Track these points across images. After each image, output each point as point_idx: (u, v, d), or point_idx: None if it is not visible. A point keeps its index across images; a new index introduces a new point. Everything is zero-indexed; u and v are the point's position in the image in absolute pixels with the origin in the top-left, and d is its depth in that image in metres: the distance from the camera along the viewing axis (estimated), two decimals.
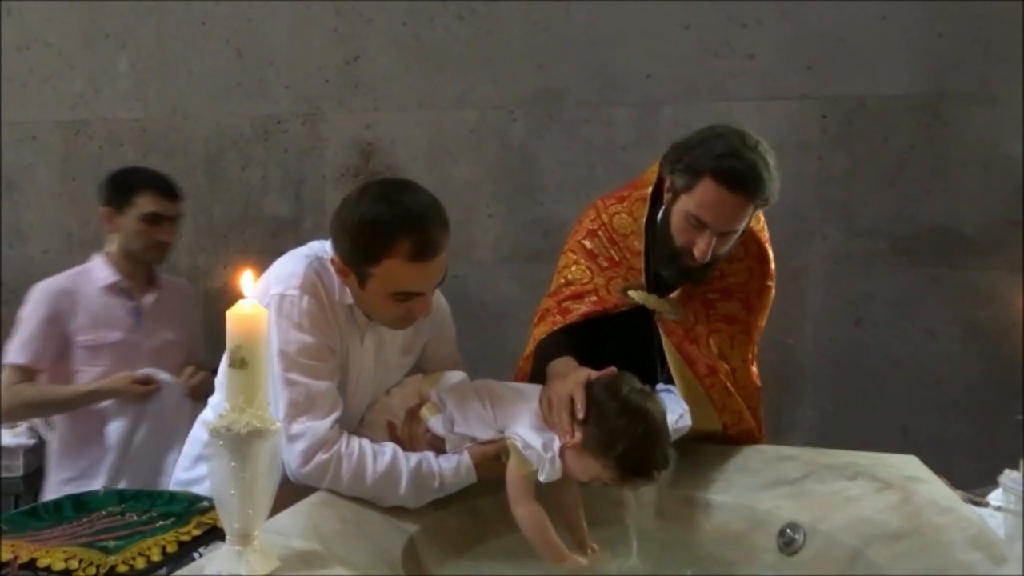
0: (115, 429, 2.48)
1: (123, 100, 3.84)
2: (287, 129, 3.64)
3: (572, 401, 1.63)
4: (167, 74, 3.78)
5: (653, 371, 1.99)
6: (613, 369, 1.69)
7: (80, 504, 1.55)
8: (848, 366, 3.05)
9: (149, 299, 2.70)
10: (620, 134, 3.20)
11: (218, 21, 3.69)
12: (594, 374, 1.68)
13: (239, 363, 1.17)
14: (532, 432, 1.65)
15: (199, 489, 1.79)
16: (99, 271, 2.64)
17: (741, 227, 1.85)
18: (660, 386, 1.97)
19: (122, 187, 2.66)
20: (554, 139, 3.30)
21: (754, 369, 2.06)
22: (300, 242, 3.55)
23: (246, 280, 1.21)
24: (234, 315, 1.19)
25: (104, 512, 1.50)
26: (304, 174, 3.62)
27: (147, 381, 2.50)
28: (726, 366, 1.96)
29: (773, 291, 2.05)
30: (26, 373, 2.51)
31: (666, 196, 1.92)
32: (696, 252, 1.83)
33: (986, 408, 2.92)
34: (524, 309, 3.28)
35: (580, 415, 1.60)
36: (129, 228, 2.64)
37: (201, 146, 3.76)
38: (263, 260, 2.85)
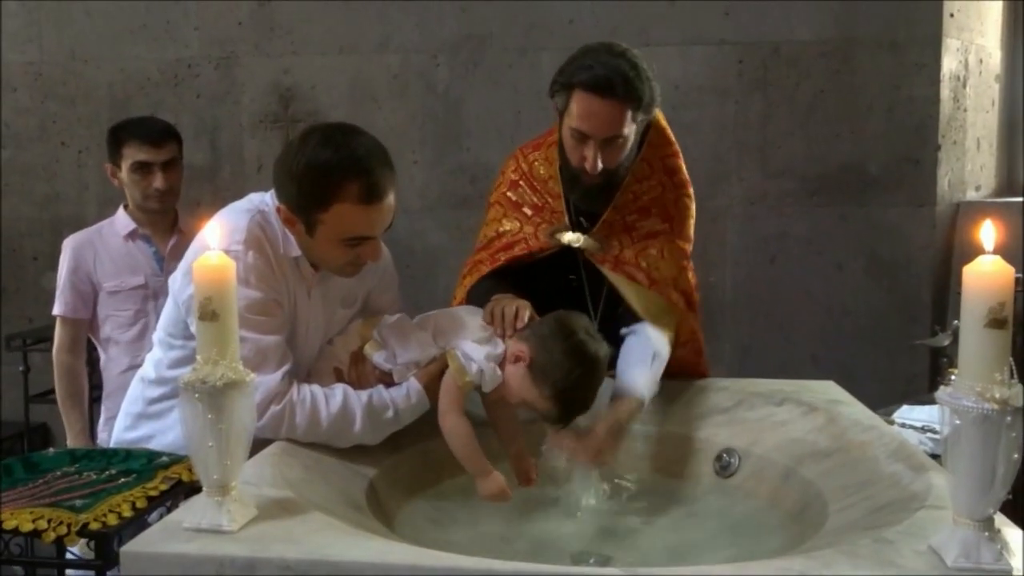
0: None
1: (15, 41, 3.59)
2: (199, 74, 3.49)
3: (517, 312, 1.71)
4: (63, 14, 3.55)
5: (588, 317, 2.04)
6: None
7: (31, 465, 1.51)
8: (764, 301, 3.23)
9: (170, 243, 2.71)
10: (545, 79, 3.17)
11: None
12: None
13: (210, 316, 1.16)
14: (474, 345, 1.70)
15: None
16: (120, 221, 2.72)
17: (625, 131, 1.87)
18: (625, 330, 1.98)
19: (112, 142, 2.68)
20: (479, 84, 3.29)
21: (692, 278, 2.07)
22: (217, 192, 3.50)
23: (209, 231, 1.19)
24: (201, 267, 1.18)
25: (59, 472, 1.47)
26: (219, 121, 3.50)
27: None
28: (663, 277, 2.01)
29: (691, 201, 2.09)
30: (69, 323, 2.65)
31: (557, 123, 1.97)
32: (587, 165, 1.87)
33: (887, 335, 3.16)
34: (453, 256, 3.32)
35: (520, 324, 1.69)
36: (126, 181, 2.67)
37: (105, 92, 3.57)
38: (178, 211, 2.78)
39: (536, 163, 2.08)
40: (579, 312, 1.77)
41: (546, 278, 2.01)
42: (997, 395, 1.02)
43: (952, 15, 3.16)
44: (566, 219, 2.01)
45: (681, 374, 2.06)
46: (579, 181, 1.94)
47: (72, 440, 2.64)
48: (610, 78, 1.79)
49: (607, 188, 1.95)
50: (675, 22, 3.14)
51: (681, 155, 2.06)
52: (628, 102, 1.83)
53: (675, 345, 1.99)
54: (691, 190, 2.07)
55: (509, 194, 2.10)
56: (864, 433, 1.68)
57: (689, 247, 2.09)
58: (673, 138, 2.06)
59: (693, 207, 2.09)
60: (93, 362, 2.82)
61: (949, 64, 3.18)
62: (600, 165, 1.86)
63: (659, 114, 1.99)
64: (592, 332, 1.70)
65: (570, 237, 1.99)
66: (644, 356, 1.87)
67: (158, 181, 2.63)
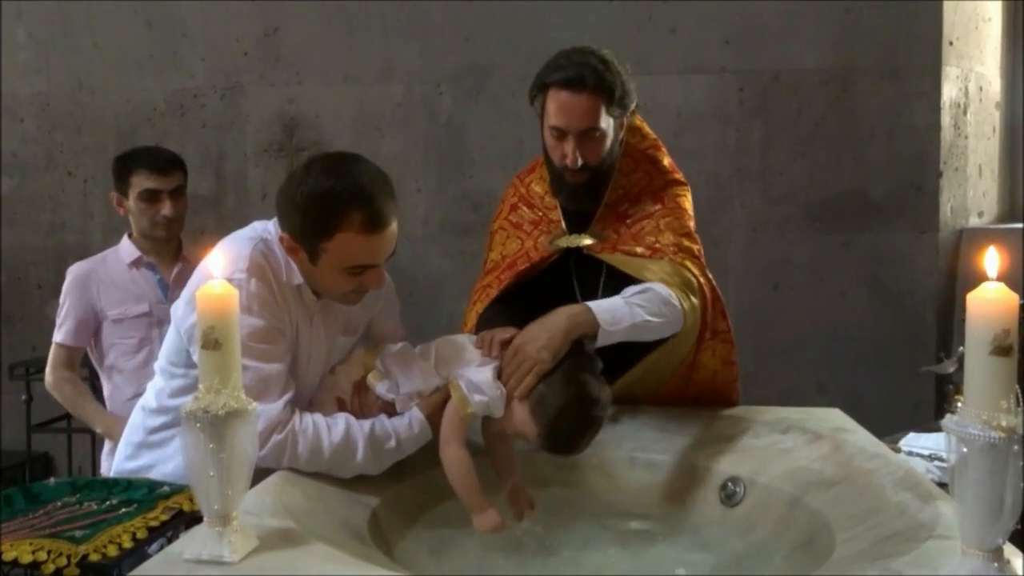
0: None
1: (22, 73, 3.63)
2: (204, 104, 3.52)
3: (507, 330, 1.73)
4: (70, 45, 3.59)
5: None
6: None
7: (31, 496, 1.51)
8: (768, 328, 3.22)
9: (174, 271, 2.73)
10: None
11: None
12: None
13: (213, 344, 1.16)
14: (477, 371, 1.69)
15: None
16: (125, 249, 2.74)
17: (601, 125, 1.89)
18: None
19: (119, 171, 2.69)
20: (482, 113, 3.31)
21: (696, 246, 2.05)
22: (222, 220, 3.52)
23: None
24: (205, 296, 1.18)
25: (59, 503, 1.46)
26: (224, 150, 3.52)
27: None
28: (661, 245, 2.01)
29: (682, 185, 2.10)
30: (67, 351, 2.66)
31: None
32: (567, 161, 1.92)
33: (892, 362, 3.14)
34: (456, 283, 3.32)
35: (506, 335, 1.71)
36: (133, 209, 2.69)
37: (112, 122, 3.60)
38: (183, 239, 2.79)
39: (532, 183, 2.15)
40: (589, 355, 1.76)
41: (549, 289, 2.02)
42: (1004, 423, 1.01)
43: (951, 43, 3.19)
44: (563, 225, 2.06)
45: (714, 391, 2.07)
46: (564, 181, 1.98)
47: (104, 429, 2.59)
48: (580, 73, 1.87)
49: (595, 187, 1.99)
50: (676, 51, 3.17)
51: (663, 148, 2.10)
52: (600, 94, 1.88)
53: (703, 349, 2.01)
54: (680, 176, 2.10)
55: (510, 217, 2.16)
56: (870, 461, 1.66)
57: (689, 222, 2.08)
58: (652, 133, 2.11)
59: (687, 190, 2.11)
60: (95, 391, 2.81)
61: (949, 92, 3.20)
62: (580, 160, 1.91)
63: (638, 119, 2.05)
64: (596, 374, 1.69)
65: (568, 239, 2.04)
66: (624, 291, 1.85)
67: (166, 209, 2.66)
